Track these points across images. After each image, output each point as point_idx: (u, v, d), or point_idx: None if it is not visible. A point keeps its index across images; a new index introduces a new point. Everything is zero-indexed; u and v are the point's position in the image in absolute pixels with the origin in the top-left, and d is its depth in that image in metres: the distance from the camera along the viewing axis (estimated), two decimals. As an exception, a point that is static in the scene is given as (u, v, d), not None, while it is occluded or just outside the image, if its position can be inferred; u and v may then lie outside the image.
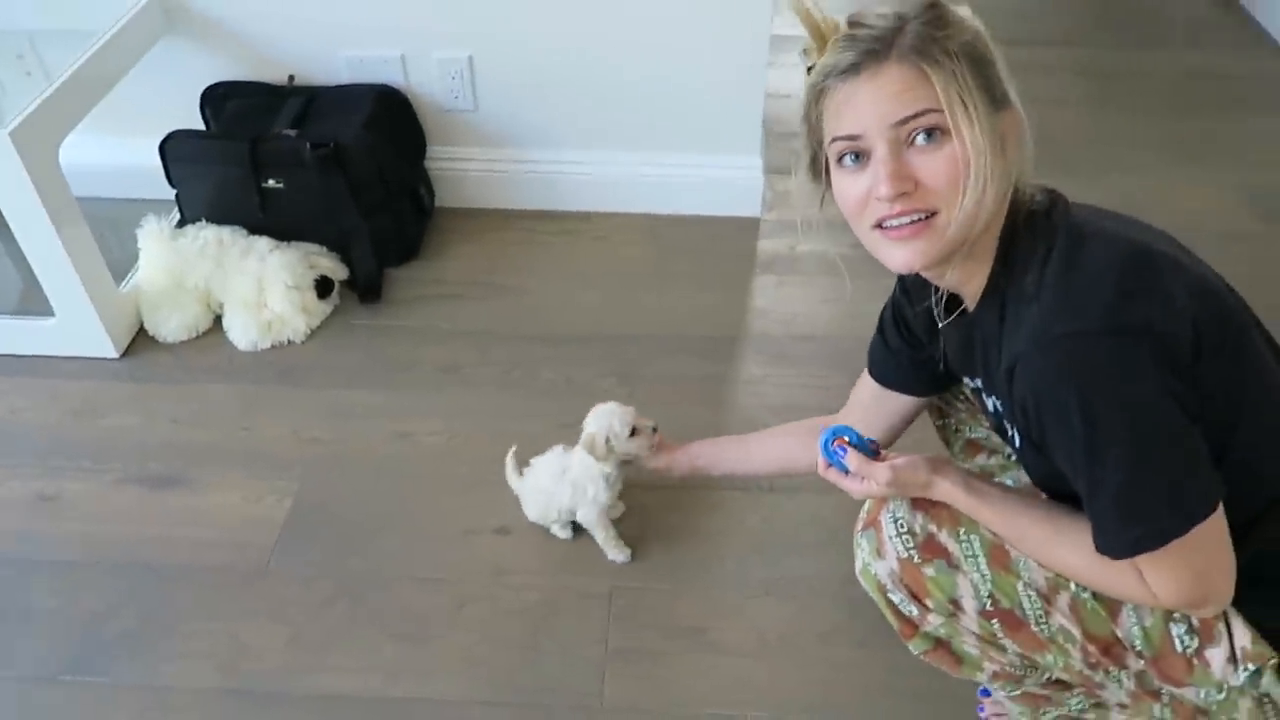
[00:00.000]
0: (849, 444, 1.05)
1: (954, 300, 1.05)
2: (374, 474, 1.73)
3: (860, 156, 0.92)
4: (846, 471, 1.05)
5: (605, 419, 1.48)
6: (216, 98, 2.11)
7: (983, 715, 1.34)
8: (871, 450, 1.06)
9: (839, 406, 1.77)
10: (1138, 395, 0.85)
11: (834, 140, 0.93)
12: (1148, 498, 0.88)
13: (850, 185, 0.94)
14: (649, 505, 1.65)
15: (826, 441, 1.06)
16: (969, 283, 1.00)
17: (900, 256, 0.94)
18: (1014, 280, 0.94)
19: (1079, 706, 1.18)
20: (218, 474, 1.73)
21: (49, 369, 1.93)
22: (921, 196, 0.90)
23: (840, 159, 0.94)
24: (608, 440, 1.46)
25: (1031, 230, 0.95)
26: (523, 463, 1.61)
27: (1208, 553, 0.90)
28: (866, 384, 1.28)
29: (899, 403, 1.26)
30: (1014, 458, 1.26)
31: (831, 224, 1.00)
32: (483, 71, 2.11)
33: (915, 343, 1.19)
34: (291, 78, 2.13)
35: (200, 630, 1.50)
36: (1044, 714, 1.21)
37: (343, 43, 2.09)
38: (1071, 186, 2.53)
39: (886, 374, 1.25)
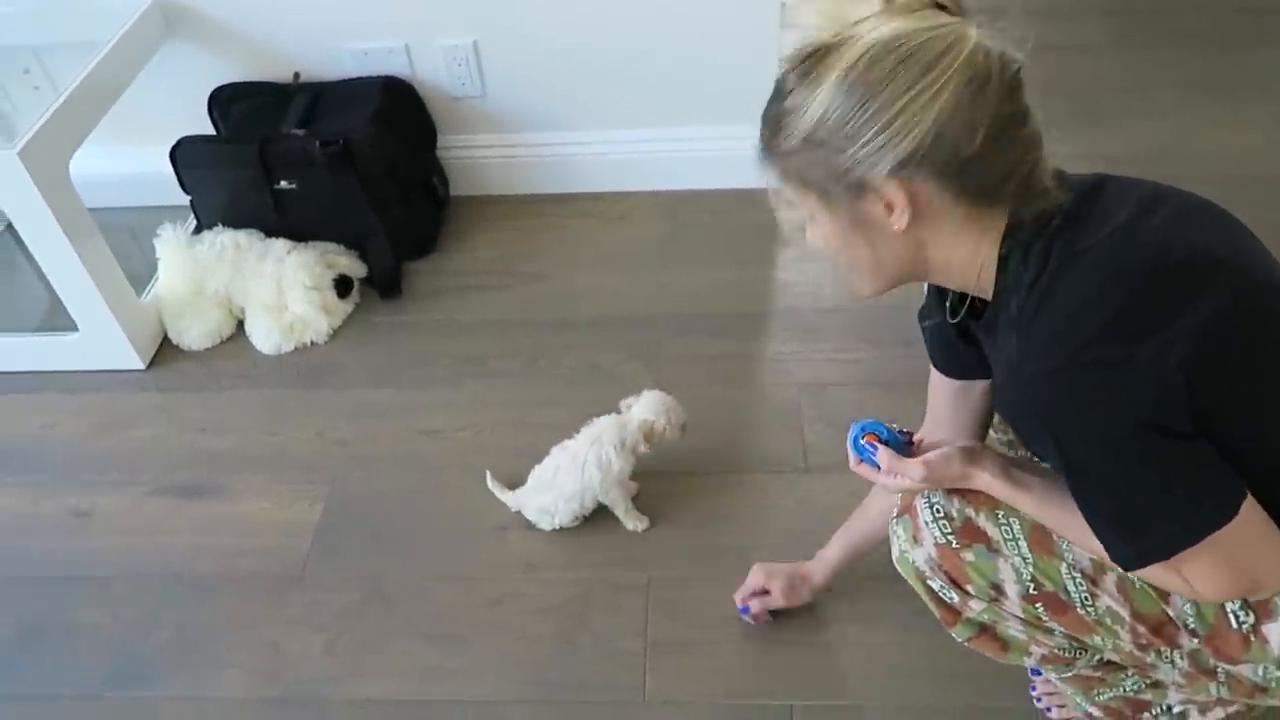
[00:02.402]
0: (880, 440, 1.01)
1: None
2: (403, 473, 1.71)
3: None
4: (879, 467, 1.02)
5: (662, 409, 1.53)
6: (223, 100, 2.09)
7: (1035, 694, 1.31)
8: (904, 441, 1.03)
9: (867, 379, 1.75)
10: (1110, 428, 0.83)
11: None
12: (1140, 517, 0.86)
13: None
14: (680, 490, 1.62)
15: (855, 438, 1.02)
16: (979, 291, 0.95)
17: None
18: (1006, 299, 0.91)
19: (1134, 687, 1.15)
20: (248, 480, 1.73)
21: (76, 384, 1.93)
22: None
23: None
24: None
25: (1024, 244, 0.89)
26: (506, 481, 1.61)
27: (1243, 548, 0.86)
28: (939, 384, 1.19)
29: (980, 389, 1.16)
30: None
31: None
32: (489, 56, 2.07)
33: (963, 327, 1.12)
34: (297, 75, 2.10)
35: (239, 639, 1.50)
36: (1098, 694, 1.17)
37: (345, 36, 2.06)
38: (1098, 137, 2.46)
39: (952, 363, 1.16)
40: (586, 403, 1.67)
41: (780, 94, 0.88)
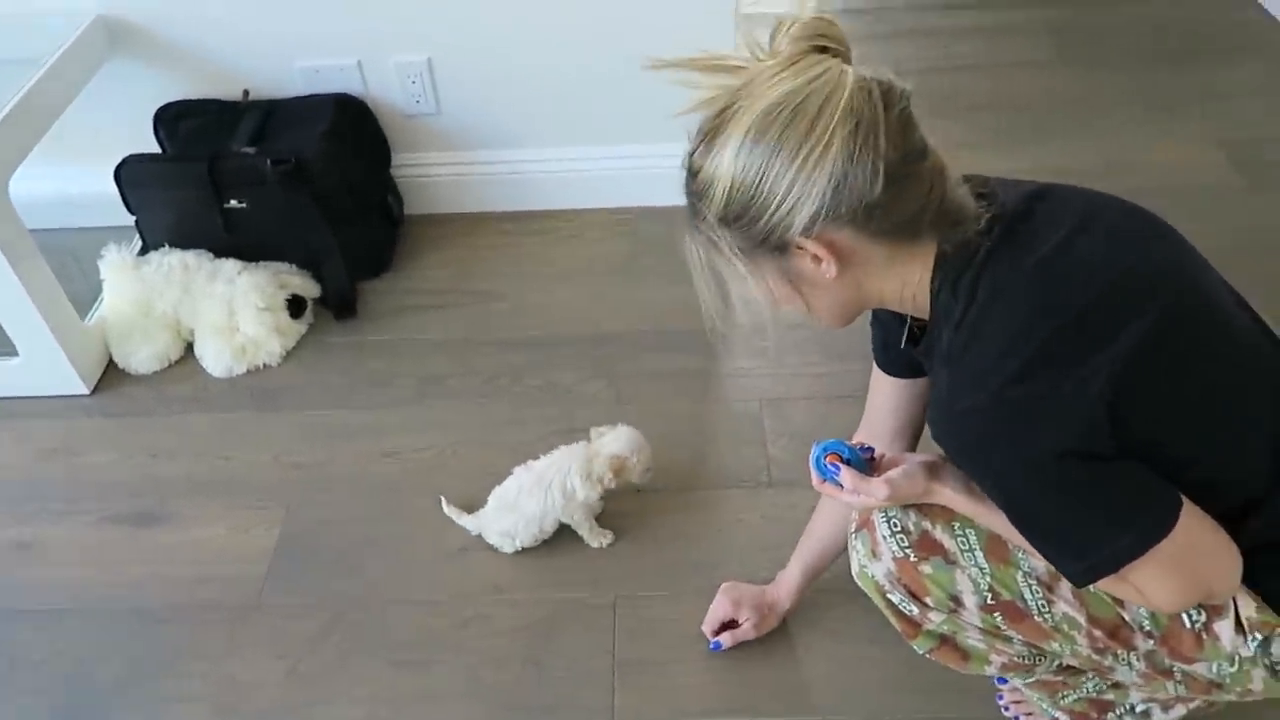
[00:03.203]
0: (842, 459, 1.02)
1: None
2: (362, 496, 1.68)
3: None
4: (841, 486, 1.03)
5: (635, 447, 1.52)
6: (170, 118, 2.04)
7: (1002, 704, 1.32)
8: (865, 459, 1.04)
9: (830, 393, 1.77)
10: (1039, 459, 0.85)
11: None
12: (1083, 538, 0.88)
13: None
14: (647, 509, 1.61)
15: (818, 458, 1.03)
16: (918, 313, 0.98)
17: None
18: (938, 334, 0.93)
19: (1096, 688, 1.17)
20: (201, 507, 1.68)
21: (17, 410, 1.87)
22: None
23: None
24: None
25: (954, 285, 0.90)
26: (468, 501, 1.59)
27: (1190, 556, 0.88)
28: (880, 381, 1.23)
29: (919, 390, 1.20)
30: None
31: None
32: (443, 73, 2.06)
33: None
34: (246, 93, 2.06)
35: (194, 670, 1.46)
36: (1062, 698, 1.20)
37: (296, 53, 2.03)
38: (1046, 152, 2.51)
39: (893, 362, 1.19)
40: (548, 421, 1.66)
41: (691, 174, 0.90)
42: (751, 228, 0.87)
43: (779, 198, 0.84)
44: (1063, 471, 0.85)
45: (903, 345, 1.06)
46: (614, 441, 1.53)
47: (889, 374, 1.20)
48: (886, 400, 1.22)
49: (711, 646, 1.41)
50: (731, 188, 0.86)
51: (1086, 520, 0.87)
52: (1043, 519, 0.89)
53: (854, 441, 1.06)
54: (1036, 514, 0.90)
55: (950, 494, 1.00)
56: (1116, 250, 0.91)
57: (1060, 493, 0.87)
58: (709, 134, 0.87)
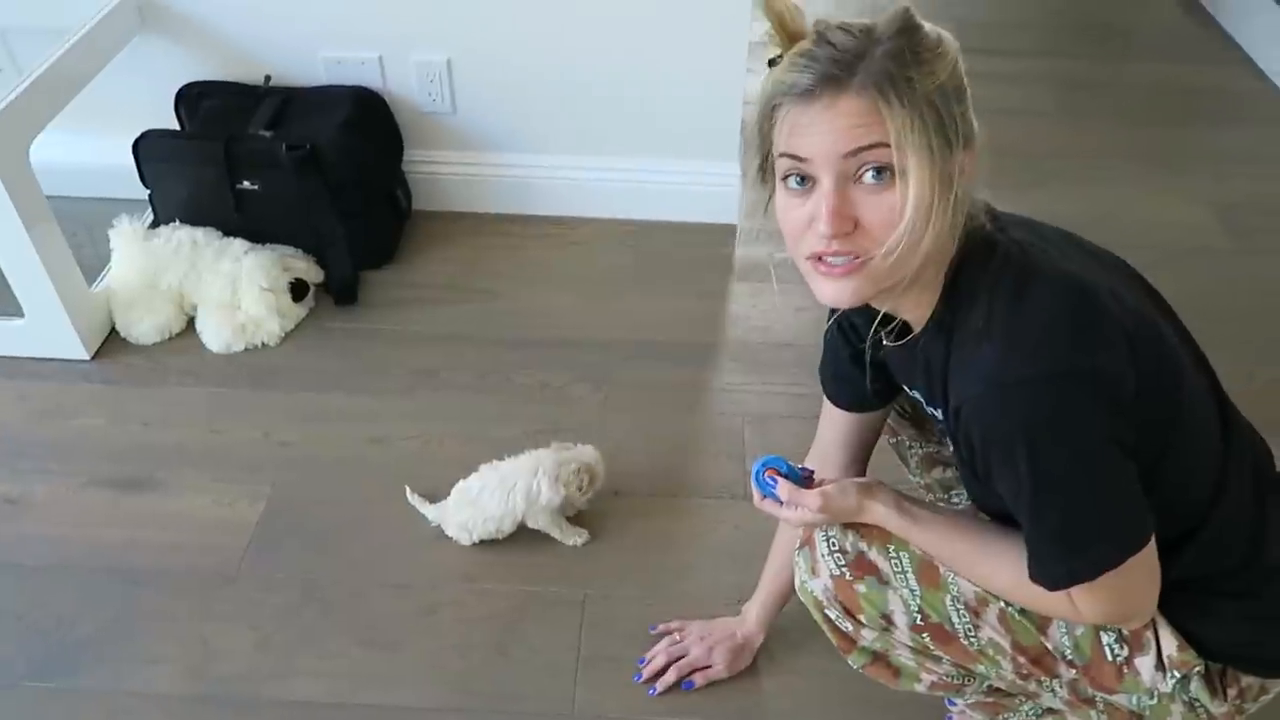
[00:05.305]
0: (780, 474, 1.05)
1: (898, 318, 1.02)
2: (347, 478, 1.72)
3: (805, 180, 0.87)
4: (781, 502, 1.06)
5: (595, 462, 1.56)
6: (191, 97, 2.09)
7: (950, 726, 1.36)
8: (803, 478, 1.07)
9: (811, 413, 1.78)
10: (1084, 442, 0.85)
11: (781, 155, 0.88)
12: (1085, 534, 0.89)
13: (792, 209, 0.89)
14: (621, 511, 1.65)
15: (758, 473, 1.06)
16: (914, 310, 0.97)
17: (830, 292, 0.89)
18: (959, 315, 0.92)
19: (1032, 712, 1.20)
20: (188, 477, 1.71)
21: (18, 370, 1.90)
22: (860, 239, 0.86)
23: (785, 177, 0.88)
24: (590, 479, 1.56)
25: (979, 262, 0.91)
26: (427, 495, 1.62)
27: (1137, 577, 0.91)
28: (830, 415, 1.25)
29: (866, 424, 1.24)
30: None
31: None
32: (461, 75, 2.11)
33: (862, 353, 1.15)
34: (268, 78, 2.12)
35: (167, 635, 1.48)
36: (1002, 720, 1.23)
37: (320, 43, 2.08)
38: (1042, 198, 2.57)
39: (841, 394, 1.22)
40: (534, 420, 1.70)
41: (909, 27, 0.83)
42: (956, 108, 0.83)
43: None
44: (1099, 456, 0.85)
45: (877, 343, 1.04)
46: (586, 454, 1.56)
47: (838, 405, 1.22)
48: (837, 434, 1.24)
49: (684, 686, 1.41)
50: (957, 62, 0.83)
51: (1094, 516, 0.88)
52: (1056, 507, 0.88)
53: (799, 466, 1.09)
54: (1053, 500, 0.88)
55: (883, 511, 1.03)
56: (1106, 276, 0.94)
57: (1088, 479, 0.86)
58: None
